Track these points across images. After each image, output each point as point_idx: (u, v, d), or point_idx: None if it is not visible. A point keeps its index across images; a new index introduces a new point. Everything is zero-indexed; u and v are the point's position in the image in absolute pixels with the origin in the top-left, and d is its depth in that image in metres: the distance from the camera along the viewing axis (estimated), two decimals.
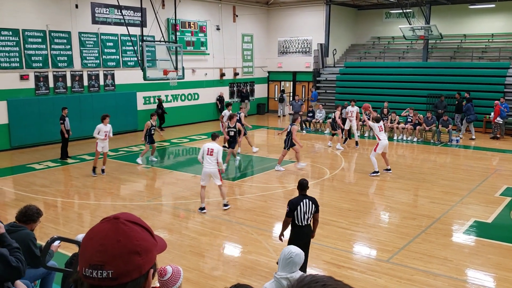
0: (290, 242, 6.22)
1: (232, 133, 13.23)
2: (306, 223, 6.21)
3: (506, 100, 19.20)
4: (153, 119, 14.07)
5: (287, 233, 6.42)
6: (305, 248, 6.29)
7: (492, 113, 18.28)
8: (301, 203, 6.18)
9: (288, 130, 12.87)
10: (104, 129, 12.37)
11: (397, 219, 9.24)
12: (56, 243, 5.15)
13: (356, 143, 16.81)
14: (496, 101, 18.33)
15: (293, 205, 6.20)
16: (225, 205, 9.69)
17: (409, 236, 8.19)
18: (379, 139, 12.33)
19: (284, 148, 12.95)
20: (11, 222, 5.16)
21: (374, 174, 12.38)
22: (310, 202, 6.25)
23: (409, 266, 6.98)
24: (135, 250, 1.28)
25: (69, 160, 14.50)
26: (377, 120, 12.51)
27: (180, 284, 3.81)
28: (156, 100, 20.71)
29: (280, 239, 6.64)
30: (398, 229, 8.63)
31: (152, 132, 13.92)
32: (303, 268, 6.19)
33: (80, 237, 4.95)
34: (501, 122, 17.99)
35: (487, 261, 7.25)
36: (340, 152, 15.78)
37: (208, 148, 9.20)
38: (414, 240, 8.01)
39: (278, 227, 8.90)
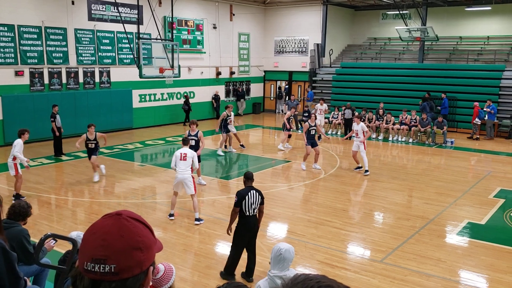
0: (237, 232, 6.53)
1: (193, 142, 10.90)
2: (252, 213, 6.48)
3: (501, 103, 19.34)
4: (90, 131, 11.46)
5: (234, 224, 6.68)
6: (252, 238, 6.63)
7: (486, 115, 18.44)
8: (248, 194, 6.43)
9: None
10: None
11: (391, 219, 9.27)
12: (52, 243, 5.12)
13: (319, 137, 17.16)
14: (475, 103, 18.72)
15: (241, 196, 6.42)
16: (197, 219, 8.82)
17: (403, 237, 8.22)
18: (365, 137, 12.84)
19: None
20: (4, 219, 5.12)
21: (367, 173, 12.61)
22: (257, 194, 6.51)
23: (402, 267, 7.00)
24: (137, 246, 1.29)
25: (63, 157, 14.44)
26: (360, 118, 13.43)
27: (173, 282, 3.80)
28: (183, 97, 21.76)
29: (228, 233, 6.81)
30: (392, 229, 8.65)
31: (90, 146, 11.55)
32: (252, 260, 6.57)
33: (73, 234, 4.92)
34: (479, 123, 18.43)
35: (480, 262, 7.29)
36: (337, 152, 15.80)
37: (181, 153, 8.83)
38: (408, 241, 8.04)
39: (272, 226, 8.92)
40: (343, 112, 19.02)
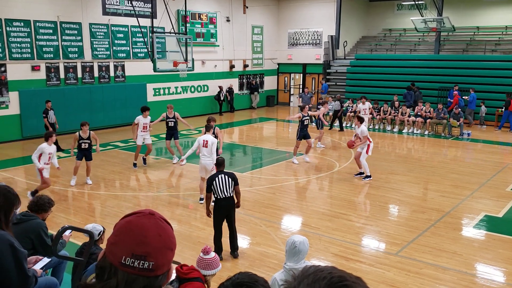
0: (213, 214, 7.02)
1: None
2: (224, 196, 6.87)
3: None
4: (83, 130, 10.65)
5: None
6: (228, 220, 6.99)
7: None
8: (216, 178, 6.88)
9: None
10: (49, 150, 9.63)
11: (406, 212, 9.21)
12: (67, 232, 5.21)
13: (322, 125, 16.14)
14: (455, 91, 19.05)
15: (209, 181, 6.95)
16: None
17: (418, 230, 8.16)
18: (370, 141, 11.25)
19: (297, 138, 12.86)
20: (23, 212, 5.22)
21: (368, 179, 11.30)
22: (227, 177, 6.92)
23: (418, 260, 6.96)
24: (170, 246, 1.39)
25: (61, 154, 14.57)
26: (361, 121, 11.42)
27: (215, 272, 3.97)
28: (218, 87, 23.15)
29: (208, 215, 7.24)
30: (407, 222, 8.59)
31: (84, 146, 10.75)
32: (231, 237, 6.99)
33: (89, 226, 5.00)
34: (458, 111, 18.16)
35: (497, 255, 7.20)
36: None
37: (204, 140, 9.32)
38: (423, 234, 7.98)
39: (286, 219, 8.93)
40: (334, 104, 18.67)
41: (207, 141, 9.27)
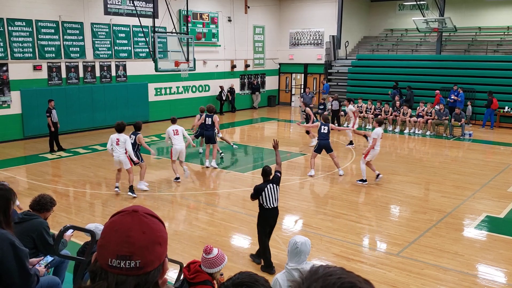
0: (258, 223, 6.77)
1: (209, 121, 12.28)
2: (273, 205, 6.67)
3: None
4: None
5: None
6: (271, 230, 6.83)
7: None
8: (266, 189, 6.63)
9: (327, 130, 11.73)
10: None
11: (407, 213, 9.20)
12: (69, 232, 5.21)
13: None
14: (437, 91, 19.32)
15: (257, 190, 6.68)
16: (179, 178, 10.99)
17: (420, 230, 8.15)
18: (374, 148, 10.82)
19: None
20: (25, 211, 5.22)
21: (362, 183, 11.04)
22: (275, 185, 6.72)
23: (419, 260, 6.95)
24: (157, 241, 1.36)
25: (81, 150, 14.62)
26: (380, 124, 11.11)
27: (220, 269, 4.00)
28: (219, 87, 23.21)
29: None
30: (409, 223, 8.59)
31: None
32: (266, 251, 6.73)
33: (91, 226, 5.01)
34: (459, 111, 18.11)
35: (498, 256, 7.19)
36: (352, 147, 15.68)
37: (173, 130, 10.84)
38: (425, 234, 7.98)
39: (287, 219, 8.94)
40: (331, 103, 18.59)
41: (177, 130, 10.82)
